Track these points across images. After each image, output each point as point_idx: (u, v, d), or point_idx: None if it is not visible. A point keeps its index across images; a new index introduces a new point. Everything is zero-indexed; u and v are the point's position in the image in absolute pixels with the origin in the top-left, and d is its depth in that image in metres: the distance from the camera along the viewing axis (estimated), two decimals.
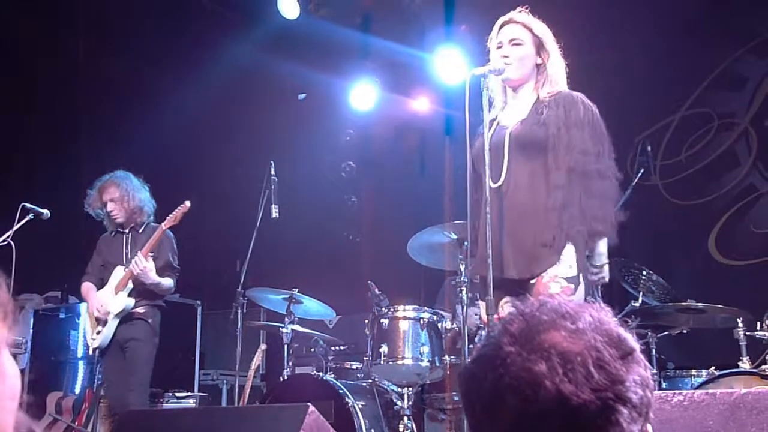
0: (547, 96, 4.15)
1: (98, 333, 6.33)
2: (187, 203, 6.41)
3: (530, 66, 4.22)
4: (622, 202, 6.26)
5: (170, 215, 6.41)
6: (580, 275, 3.94)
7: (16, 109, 8.61)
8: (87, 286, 6.61)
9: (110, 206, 6.53)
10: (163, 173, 7.70)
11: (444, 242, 5.86)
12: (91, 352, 6.41)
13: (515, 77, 4.21)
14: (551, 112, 4.08)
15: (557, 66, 4.26)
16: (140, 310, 6.38)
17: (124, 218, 6.57)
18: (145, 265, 6.27)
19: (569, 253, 3.92)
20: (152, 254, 6.38)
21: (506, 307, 3.95)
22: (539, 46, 4.24)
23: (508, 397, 1.33)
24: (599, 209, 3.93)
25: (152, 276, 6.32)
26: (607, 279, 4.14)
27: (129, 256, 6.50)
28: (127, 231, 6.63)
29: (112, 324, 6.31)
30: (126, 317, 6.34)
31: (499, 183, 4.05)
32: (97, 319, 6.41)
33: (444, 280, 6.92)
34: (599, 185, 3.94)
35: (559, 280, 3.89)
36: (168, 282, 6.46)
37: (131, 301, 6.32)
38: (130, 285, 6.35)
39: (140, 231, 6.62)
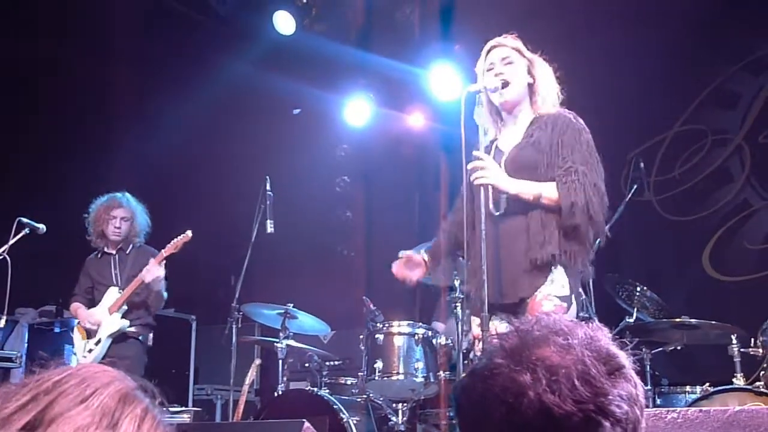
0: (541, 116, 4.18)
1: (89, 351, 6.37)
2: (189, 233, 6.46)
3: (524, 85, 4.26)
4: (616, 218, 6.30)
5: (171, 243, 6.46)
6: (573, 295, 3.97)
7: (12, 124, 8.61)
8: (76, 306, 6.67)
9: (118, 223, 6.61)
10: (157, 188, 7.71)
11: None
12: None
13: (511, 98, 4.24)
14: (542, 133, 4.11)
15: (548, 85, 4.29)
16: (133, 329, 6.45)
17: (122, 237, 6.65)
18: (159, 273, 6.35)
19: (561, 273, 3.95)
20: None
21: (500, 326, 3.95)
22: (529, 66, 4.28)
23: (494, 407, 1.36)
24: (587, 221, 3.95)
25: (161, 286, 6.45)
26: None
27: (119, 277, 6.57)
28: (114, 252, 6.68)
29: (105, 343, 6.37)
30: (120, 336, 6.40)
31: (495, 209, 4.07)
32: (88, 334, 6.45)
33: (440, 296, 6.92)
34: (586, 199, 3.96)
35: (552, 299, 3.91)
36: (164, 297, 6.55)
37: (126, 323, 6.41)
38: (125, 307, 6.41)
39: (127, 252, 6.69)
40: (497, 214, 4.06)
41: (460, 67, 7.98)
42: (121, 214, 6.65)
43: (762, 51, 7.89)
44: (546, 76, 4.28)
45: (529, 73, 4.27)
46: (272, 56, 8.96)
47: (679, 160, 8.14)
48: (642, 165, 6.97)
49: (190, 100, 9.06)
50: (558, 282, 3.94)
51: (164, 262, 6.46)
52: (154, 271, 6.33)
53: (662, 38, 8.07)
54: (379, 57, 8.80)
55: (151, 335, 6.63)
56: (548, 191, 3.97)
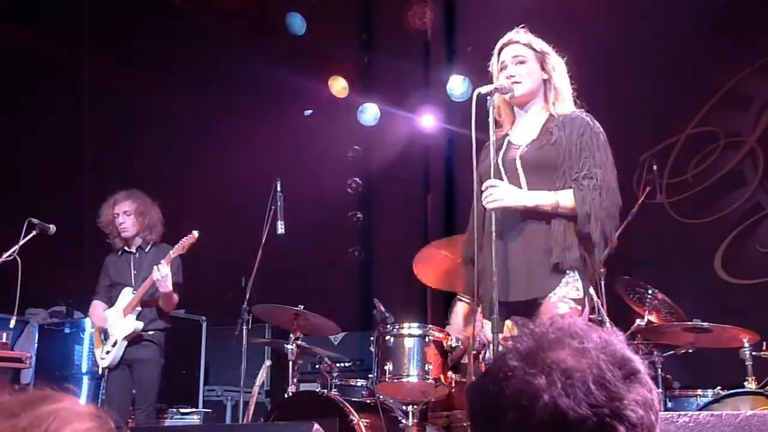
0: (558, 116, 4.16)
1: (107, 353, 6.39)
2: (195, 233, 6.43)
3: (537, 82, 4.23)
4: (628, 220, 6.28)
5: (178, 244, 6.44)
6: (586, 298, 3.95)
7: (21, 124, 8.63)
8: (94, 304, 6.68)
9: (122, 218, 6.59)
10: (168, 188, 7.71)
11: (450, 260, 5.86)
12: (100, 371, 6.48)
13: (523, 94, 4.22)
14: (562, 134, 4.08)
15: (563, 80, 4.27)
16: (149, 332, 6.44)
17: (132, 233, 6.63)
18: (167, 273, 6.32)
19: (575, 275, 3.93)
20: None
21: (514, 327, 3.94)
22: (543, 62, 4.25)
23: (508, 409, 1.35)
24: (601, 234, 3.92)
25: (170, 285, 6.36)
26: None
27: (135, 277, 6.55)
28: (133, 250, 6.67)
29: (121, 345, 6.38)
30: (135, 338, 6.39)
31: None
32: (104, 336, 6.46)
33: (452, 298, 6.90)
34: (602, 210, 3.94)
35: (568, 301, 3.89)
36: (176, 298, 6.54)
37: (140, 324, 6.41)
38: (139, 308, 6.41)
39: (147, 250, 6.67)
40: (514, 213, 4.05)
41: (473, 68, 7.96)
42: (124, 209, 6.62)
43: None
44: (560, 70, 4.27)
45: (543, 68, 4.25)
46: (284, 56, 8.96)
47: (691, 162, 8.11)
48: (654, 167, 6.95)
49: (201, 99, 9.08)
50: (572, 284, 3.93)
51: (171, 264, 6.44)
52: (163, 270, 6.31)
53: (675, 40, 8.06)
54: (390, 57, 8.79)
55: (165, 339, 6.61)
56: (565, 200, 3.96)
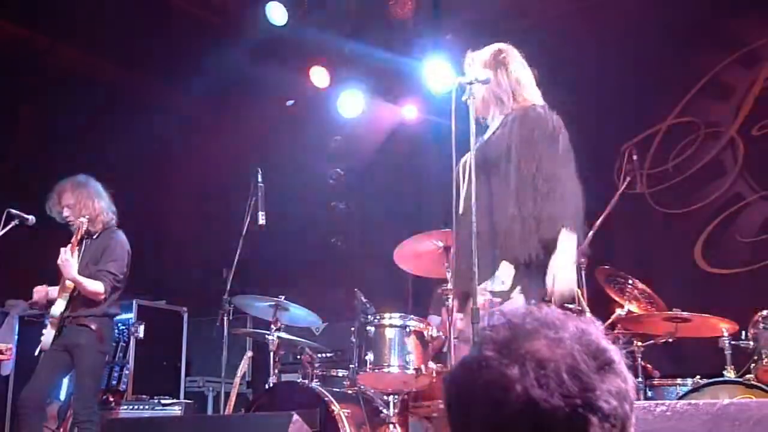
0: (513, 111, 4.20)
1: (42, 335, 6.28)
2: (82, 219, 6.32)
3: (494, 93, 4.27)
4: (608, 210, 6.30)
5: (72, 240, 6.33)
6: (515, 291, 3.96)
7: (2, 114, 8.58)
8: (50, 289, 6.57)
9: (66, 212, 6.50)
10: (149, 179, 7.68)
11: (430, 250, 5.85)
12: (36, 353, 6.37)
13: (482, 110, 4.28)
14: (506, 129, 4.13)
15: (514, 79, 4.28)
16: (85, 318, 6.33)
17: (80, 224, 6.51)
18: (66, 258, 6.20)
19: (504, 268, 3.94)
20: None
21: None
22: (496, 71, 4.26)
23: (480, 399, 1.36)
24: (546, 228, 3.93)
25: (72, 272, 6.23)
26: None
27: (80, 263, 6.41)
28: (86, 238, 6.56)
29: (49, 329, 6.26)
30: (71, 324, 6.30)
31: (462, 204, 4.08)
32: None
33: (432, 288, 6.92)
34: (546, 203, 3.96)
35: (485, 293, 3.90)
36: (95, 285, 6.32)
37: (57, 310, 6.27)
38: (66, 293, 6.30)
39: (95, 238, 6.56)
40: (462, 206, 4.06)
41: (453, 58, 7.95)
42: (65, 203, 6.50)
43: (755, 43, 7.89)
44: (513, 68, 4.29)
45: (497, 77, 4.26)
46: (265, 47, 8.92)
47: (672, 152, 8.13)
48: (635, 157, 6.96)
49: (182, 90, 9.04)
50: (499, 278, 3.95)
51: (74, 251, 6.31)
52: (62, 255, 6.20)
53: (656, 30, 8.08)
54: (372, 48, 8.77)
55: (106, 327, 6.44)
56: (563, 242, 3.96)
